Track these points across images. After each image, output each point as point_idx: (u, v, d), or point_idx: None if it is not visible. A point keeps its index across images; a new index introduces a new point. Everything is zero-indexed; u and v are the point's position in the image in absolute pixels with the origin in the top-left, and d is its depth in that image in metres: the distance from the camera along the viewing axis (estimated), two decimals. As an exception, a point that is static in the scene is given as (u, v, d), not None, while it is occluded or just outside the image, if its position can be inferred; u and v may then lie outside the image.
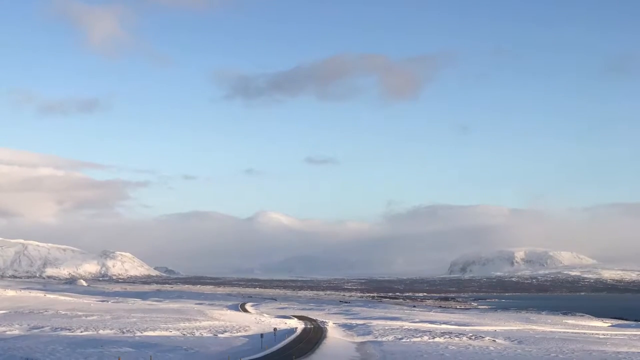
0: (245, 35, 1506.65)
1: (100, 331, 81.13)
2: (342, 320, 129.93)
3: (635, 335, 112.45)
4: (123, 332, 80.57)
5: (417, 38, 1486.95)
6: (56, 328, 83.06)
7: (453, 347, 75.87)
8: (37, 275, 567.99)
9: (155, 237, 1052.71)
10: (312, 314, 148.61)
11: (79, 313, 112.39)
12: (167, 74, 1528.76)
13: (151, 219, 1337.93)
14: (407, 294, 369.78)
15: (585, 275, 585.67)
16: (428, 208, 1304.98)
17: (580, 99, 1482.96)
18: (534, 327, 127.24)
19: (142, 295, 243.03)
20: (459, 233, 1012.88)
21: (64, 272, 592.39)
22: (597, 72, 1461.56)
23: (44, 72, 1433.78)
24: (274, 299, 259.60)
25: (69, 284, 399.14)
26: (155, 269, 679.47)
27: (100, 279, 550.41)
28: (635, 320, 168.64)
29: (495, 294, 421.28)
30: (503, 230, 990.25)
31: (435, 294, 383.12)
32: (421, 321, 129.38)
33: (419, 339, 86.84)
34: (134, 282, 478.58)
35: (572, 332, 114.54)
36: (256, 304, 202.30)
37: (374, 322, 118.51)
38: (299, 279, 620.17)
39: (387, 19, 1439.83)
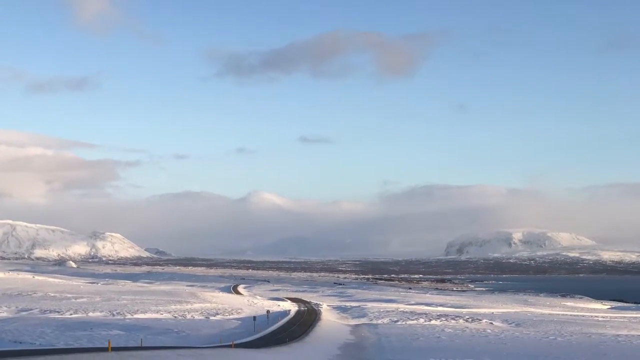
0: (237, 11, 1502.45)
1: (90, 313, 79.71)
2: (337, 302, 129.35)
3: (635, 317, 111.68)
4: (113, 315, 79.23)
5: (413, 15, 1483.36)
6: (45, 310, 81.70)
7: (449, 329, 74.80)
8: (26, 256, 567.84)
9: (146, 218, 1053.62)
10: (306, 296, 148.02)
11: (68, 295, 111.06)
12: (157, 52, 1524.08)
13: (142, 199, 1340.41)
14: (403, 276, 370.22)
15: (584, 257, 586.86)
16: (424, 188, 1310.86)
17: (579, 77, 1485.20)
18: (532, 309, 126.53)
19: (133, 277, 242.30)
20: (455, 214, 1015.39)
21: (53, 253, 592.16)
22: (595, 49, 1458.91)
23: (33, 50, 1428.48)
24: (266, 280, 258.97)
25: (58, 265, 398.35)
26: (145, 250, 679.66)
27: (90, 260, 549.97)
28: (635, 303, 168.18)
29: (492, 275, 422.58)
30: (501, 210, 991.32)
31: (431, 276, 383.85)
32: (417, 303, 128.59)
33: (414, 321, 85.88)
34: (124, 264, 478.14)
35: (570, 315, 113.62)
36: (249, 286, 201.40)
37: (369, 305, 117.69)
38: (293, 260, 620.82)
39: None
